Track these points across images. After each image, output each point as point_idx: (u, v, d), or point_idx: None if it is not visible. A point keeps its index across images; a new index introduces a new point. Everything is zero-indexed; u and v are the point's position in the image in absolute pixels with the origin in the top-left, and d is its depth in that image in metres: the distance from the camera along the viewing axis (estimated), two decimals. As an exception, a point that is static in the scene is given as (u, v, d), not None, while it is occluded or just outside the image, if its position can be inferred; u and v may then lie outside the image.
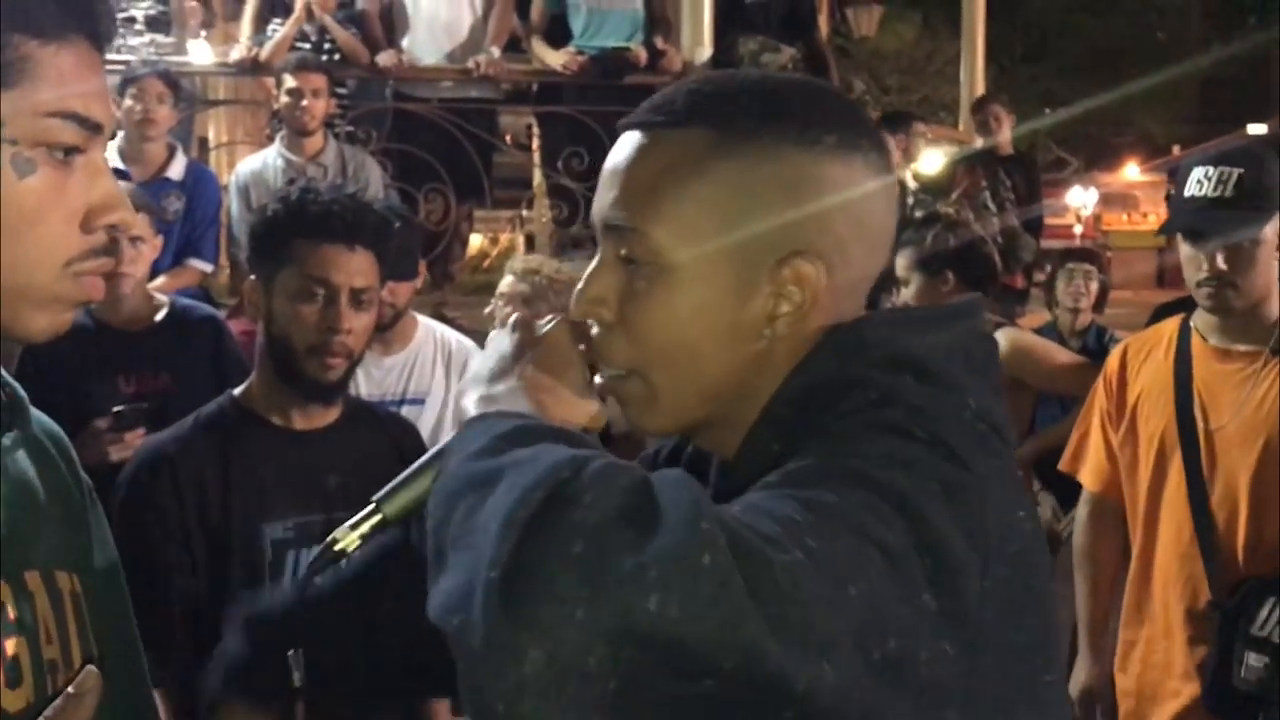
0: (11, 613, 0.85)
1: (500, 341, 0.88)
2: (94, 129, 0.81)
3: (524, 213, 6.79)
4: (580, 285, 0.87)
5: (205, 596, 1.77)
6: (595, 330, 0.87)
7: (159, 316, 3.01)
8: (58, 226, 0.80)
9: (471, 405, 0.82)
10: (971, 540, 0.71)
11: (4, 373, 0.91)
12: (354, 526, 0.84)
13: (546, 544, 0.63)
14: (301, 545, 1.81)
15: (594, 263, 0.87)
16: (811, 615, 0.63)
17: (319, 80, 4.08)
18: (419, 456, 2.20)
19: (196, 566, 1.77)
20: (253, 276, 1.84)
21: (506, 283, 3.26)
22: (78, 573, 0.93)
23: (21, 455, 0.91)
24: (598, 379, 0.88)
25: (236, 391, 1.88)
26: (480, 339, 3.88)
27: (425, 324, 2.93)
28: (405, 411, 2.69)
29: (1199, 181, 2.09)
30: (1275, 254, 2.09)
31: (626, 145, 0.85)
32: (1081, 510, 2.47)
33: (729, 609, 0.61)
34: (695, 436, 0.91)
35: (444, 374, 2.89)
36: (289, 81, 4.09)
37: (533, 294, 3.22)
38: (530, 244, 6.96)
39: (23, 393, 0.91)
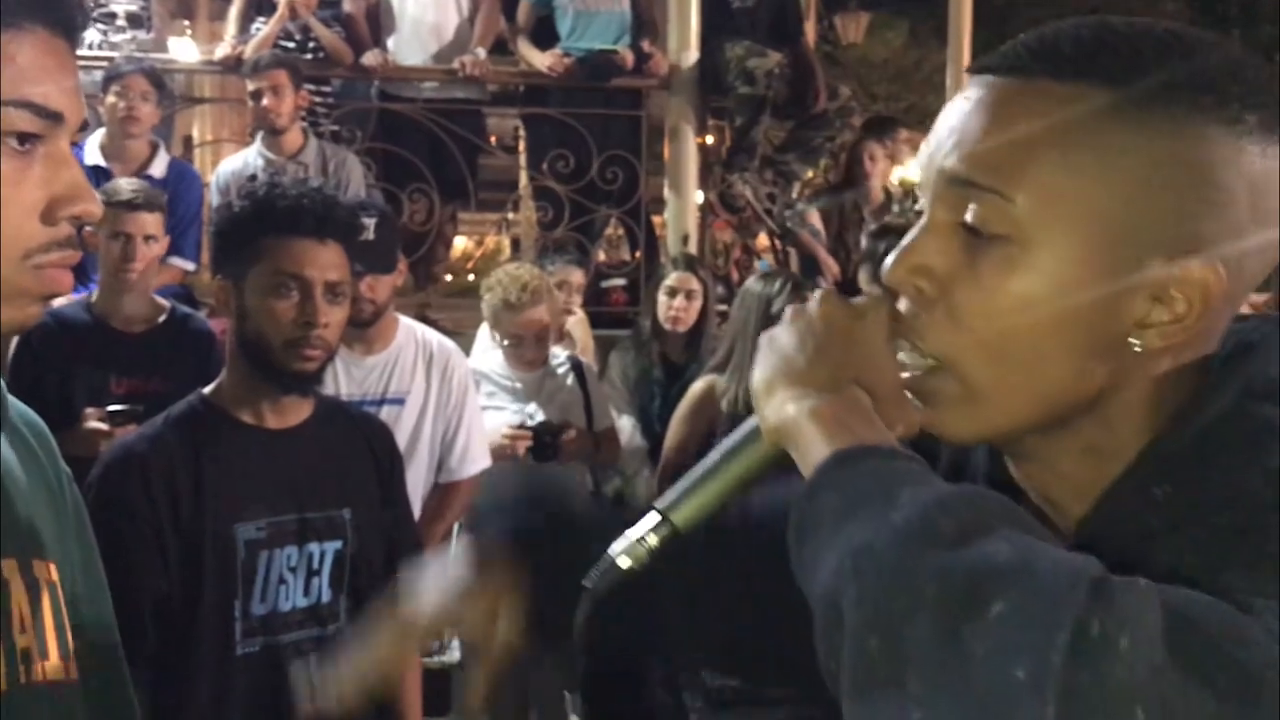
0: None
1: (810, 324, 0.73)
2: (53, 118, 0.79)
3: (509, 215, 6.77)
4: (902, 248, 0.72)
5: (177, 597, 1.75)
6: (906, 306, 0.73)
7: (157, 321, 3.01)
8: (16, 217, 0.78)
9: (808, 421, 0.69)
10: None
11: None
12: (640, 540, 0.74)
13: (1098, 712, 0.52)
14: (274, 545, 1.79)
15: (920, 224, 0.72)
16: None
17: (278, 77, 4.06)
18: (391, 455, 2.20)
19: (168, 567, 1.75)
20: (219, 275, 1.81)
21: (500, 280, 3.27)
22: (56, 562, 0.92)
23: (3, 445, 0.90)
24: (902, 373, 0.73)
25: (207, 390, 1.86)
26: (464, 341, 3.86)
27: (406, 324, 2.93)
28: (385, 411, 2.68)
29: None
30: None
31: (989, 90, 0.70)
32: None
33: None
34: (1007, 450, 0.76)
35: (425, 375, 2.88)
36: (249, 84, 4.11)
37: (531, 298, 3.23)
38: (515, 247, 6.95)
39: (0, 381, 0.90)
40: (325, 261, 1.76)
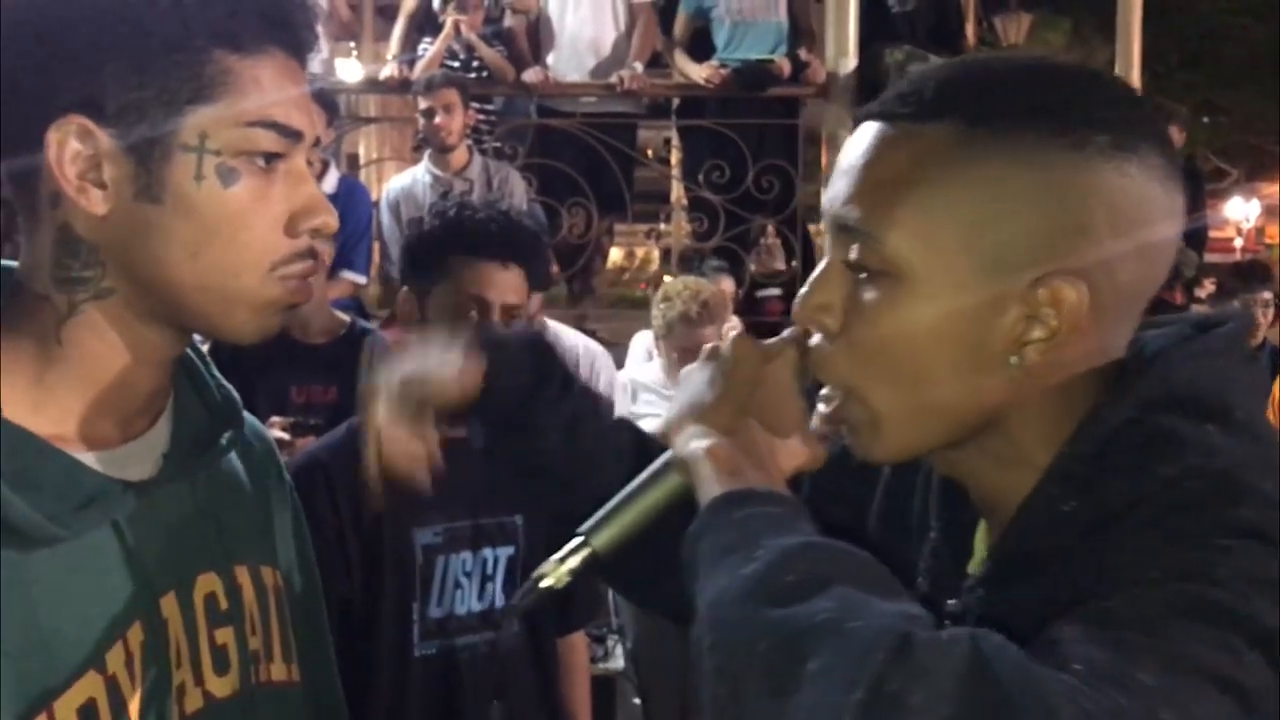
0: (223, 604, 0.89)
1: (721, 366, 0.80)
2: (294, 136, 0.83)
3: (661, 226, 6.83)
4: (805, 290, 0.78)
5: (359, 600, 1.81)
6: (816, 340, 0.79)
7: (337, 334, 3.12)
8: (263, 231, 0.83)
9: (705, 463, 0.74)
10: None
11: (219, 374, 0.95)
12: (561, 561, 0.80)
13: None
14: (450, 550, 1.84)
15: (821, 265, 0.78)
16: None
17: (450, 96, 4.17)
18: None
19: (351, 570, 1.81)
20: (406, 289, 1.88)
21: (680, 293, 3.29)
22: (280, 569, 0.97)
23: (234, 454, 0.95)
24: (820, 407, 0.79)
25: (388, 400, 1.92)
26: (620, 351, 3.90)
27: (553, 328, 2.97)
28: None
29: None
30: None
31: (866, 137, 0.76)
32: None
33: None
34: (936, 462, 0.82)
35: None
36: (421, 103, 4.21)
37: (708, 315, 3.26)
38: (666, 258, 6.99)
39: (236, 395, 0.95)
40: (506, 285, 1.81)
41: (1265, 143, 21.50)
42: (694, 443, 0.76)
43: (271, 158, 0.82)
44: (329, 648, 1.07)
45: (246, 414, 0.97)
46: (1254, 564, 0.63)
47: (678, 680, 3.23)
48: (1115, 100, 0.74)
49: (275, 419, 2.81)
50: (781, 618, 0.61)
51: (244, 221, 0.82)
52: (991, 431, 0.76)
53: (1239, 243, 20.60)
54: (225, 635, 0.88)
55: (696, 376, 0.81)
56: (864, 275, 0.75)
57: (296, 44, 0.84)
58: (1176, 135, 5.58)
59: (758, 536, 0.66)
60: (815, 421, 0.82)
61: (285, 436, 2.76)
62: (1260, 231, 23.34)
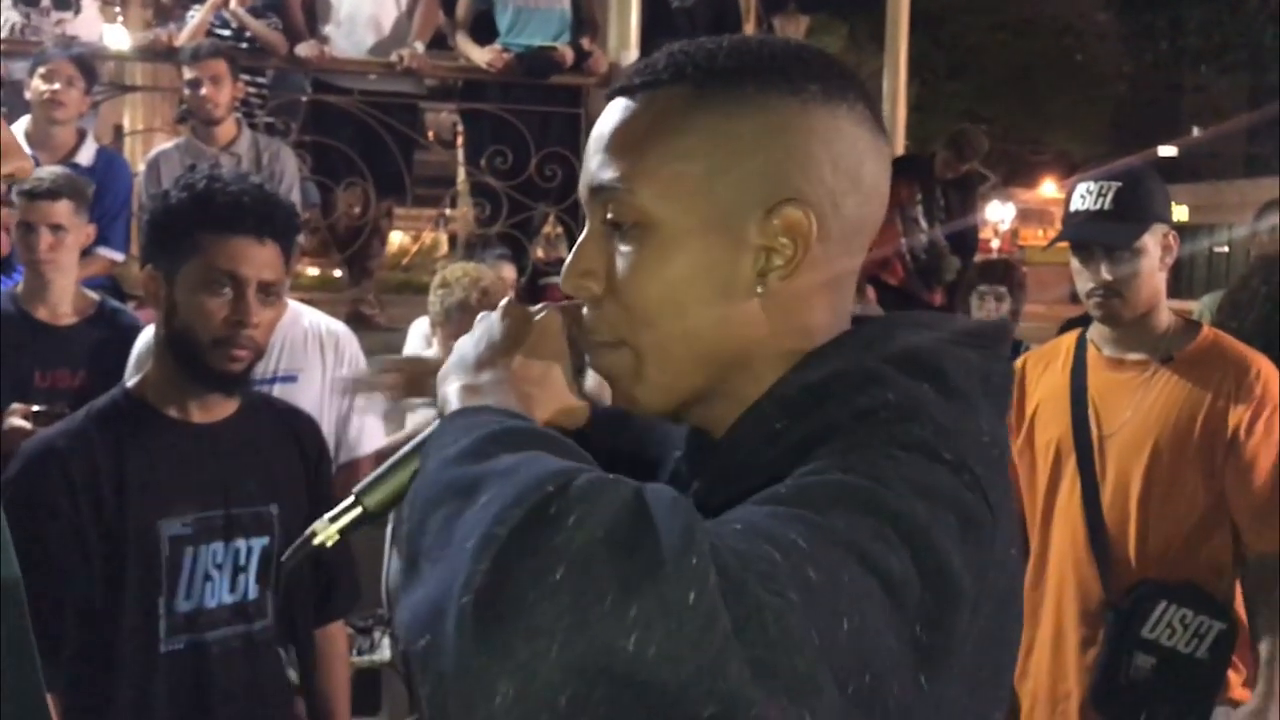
0: None
1: (489, 326, 0.86)
2: None
3: (447, 211, 6.73)
4: (569, 260, 0.84)
5: (100, 595, 1.71)
6: (587, 309, 0.84)
7: (86, 315, 2.94)
8: None
9: (454, 395, 0.79)
10: (974, 577, 0.69)
11: None
12: (333, 519, 0.81)
13: (524, 568, 0.59)
14: (200, 541, 1.76)
15: (582, 236, 0.84)
16: (797, 661, 0.59)
17: (217, 66, 3.98)
18: (319, 450, 2.16)
19: (91, 565, 1.71)
20: (150, 267, 1.77)
21: (459, 280, 3.23)
22: None
23: None
24: (589, 358, 0.86)
25: (130, 384, 1.82)
26: (398, 338, 3.83)
27: (294, 307, 2.84)
28: (278, 389, 2.65)
29: (1082, 196, 2.20)
30: (1158, 264, 2.18)
31: (611, 110, 0.84)
32: None
33: (712, 653, 0.57)
34: (688, 415, 0.86)
35: (318, 354, 2.82)
36: (186, 73, 4.01)
37: (488, 302, 3.21)
38: (453, 243, 6.90)
39: None
40: (262, 261, 1.73)
41: (1022, 151, 22.99)
42: (453, 388, 0.80)
43: None
44: (33, 653, 0.99)
45: None
46: (919, 473, 0.70)
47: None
48: (824, 61, 0.84)
49: (16, 406, 2.64)
50: (470, 470, 0.66)
51: None
52: (735, 371, 0.82)
53: (995, 244, 21.97)
54: None
55: (466, 339, 0.85)
56: (620, 231, 0.81)
57: None
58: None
59: (470, 432, 0.70)
60: (591, 382, 0.86)
61: (26, 425, 2.59)
62: (1015, 234, 24.98)
